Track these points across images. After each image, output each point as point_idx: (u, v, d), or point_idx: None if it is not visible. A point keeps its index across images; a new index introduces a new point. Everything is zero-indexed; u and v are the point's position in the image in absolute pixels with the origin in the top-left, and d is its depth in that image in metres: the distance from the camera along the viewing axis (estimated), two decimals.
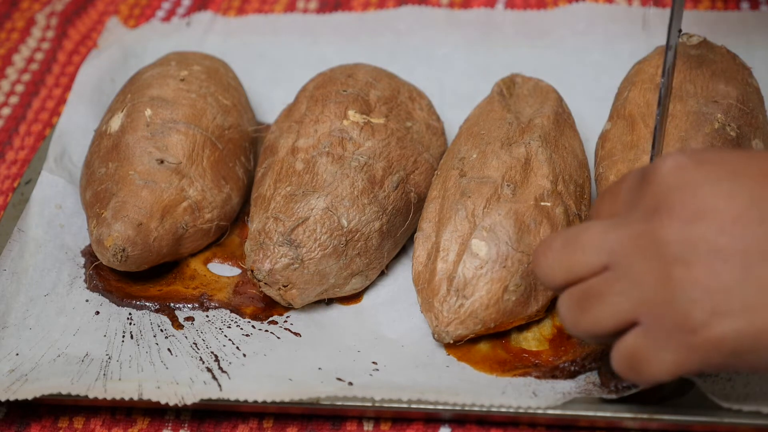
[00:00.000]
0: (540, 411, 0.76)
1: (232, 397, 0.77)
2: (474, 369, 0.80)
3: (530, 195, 0.82)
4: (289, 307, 0.86)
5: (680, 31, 0.79)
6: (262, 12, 1.15)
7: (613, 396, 0.76)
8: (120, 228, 0.85)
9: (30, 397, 0.78)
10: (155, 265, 0.88)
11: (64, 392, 0.78)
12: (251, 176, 0.93)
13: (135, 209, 0.86)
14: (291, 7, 1.16)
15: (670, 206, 0.65)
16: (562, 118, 0.89)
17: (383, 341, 0.84)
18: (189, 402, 0.77)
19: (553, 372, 0.79)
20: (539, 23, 1.07)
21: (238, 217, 0.93)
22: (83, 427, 0.80)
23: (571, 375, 0.79)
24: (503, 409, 0.76)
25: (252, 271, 0.83)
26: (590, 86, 1.02)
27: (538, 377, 0.79)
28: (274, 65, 1.07)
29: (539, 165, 0.84)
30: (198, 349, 0.82)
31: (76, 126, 0.98)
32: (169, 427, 0.80)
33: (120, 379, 0.79)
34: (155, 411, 0.81)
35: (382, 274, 0.88)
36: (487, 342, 0.82)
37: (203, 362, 0.81)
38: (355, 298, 0.87)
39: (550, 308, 0.84)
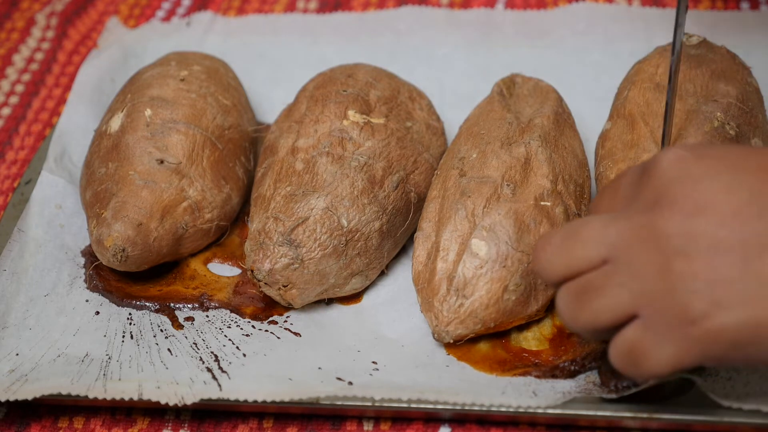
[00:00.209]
0: (540, 410, 0.76)
1: (232, 397, 0.77)
2: (474, 368, 0.80)
3: (530, 195, 0.82)
4: (289, 307, 0.86)
5: (681, 35, 0.80)
6: (262, 12, 1.15)
7: (613, 395, 0.76)
8: (120, 228, 0.85)
9: (30, 397, 0.78)
10: (155, 265, 0.88)
11: (64, 392, 0.78)
12: (251, 176, 0.93)
13: (135, 209, 0.86)
14: (291, 7, 1.16)
15: (670, 199, 0.66)
16: (562, 118, 0.89)
17: (383, 341, 0.84)
18: (189, 402, 0.77)
19: (553, 371, 0.79)
20: (539, 23, 1.07)
21: (238, 217, 0.93)
22: (83, 427, 0.80)
23: (571, 374, 0.79)
24: (503, 409, 0.76)
25: (252, 271, 0.83)
26: (590, 86, 1.02)
27: (538, 377, 0.79)
28: (274, 65, 1.07)
29: (539, 165, 0.84)
30: (198, 349, 0.82)
31: (76, 126, 0.98)
32: (169, 427, 0.80)
33: (120, 379, 0.79)
34: (155, 411, 0.81)
35: (382, 274, 0.88)
36: (487, 342, 0.82)
37: (203, 362, 0.81)
38: (355, 298, 0.87)
39: (550, 308, 0.84)
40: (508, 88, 0.93)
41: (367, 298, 0.87)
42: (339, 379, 0.79)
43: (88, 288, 0.88)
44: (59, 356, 0.82)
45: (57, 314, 0.86)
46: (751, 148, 0.69)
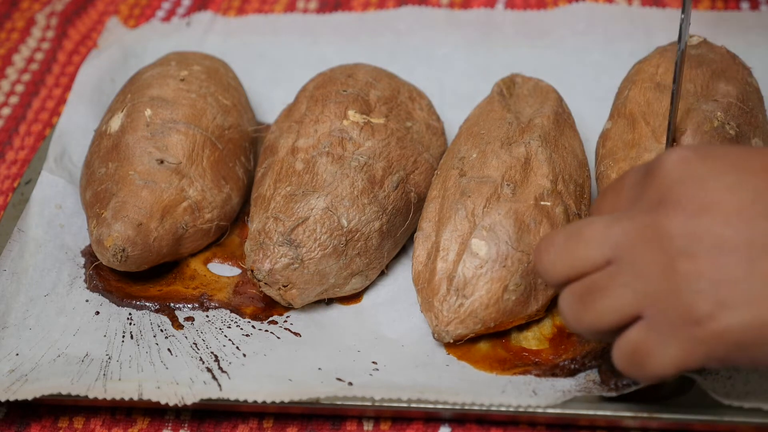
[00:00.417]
0: (540, 410, 0.76)
1: (232, 397, 0.77)
2: (474, 368, 0.80)
3: (530, 194, 0.82)
4: (289, 307, 0.86)
5: (686, 32, 0.80)
6: (262, 12, 1.15)
7: (614, 394, 0.76)
8: (120, 228, 0.85)
9: (30, 397, 0.78)
10: (155, 265, 0.88)
11: (64, 392, 0.78)
12: (251, 176, 0.93)
13: (135, 209, 0.86)
14: (291, 7, 1.16)
15: (674, 199, 0.65)
16: (562, 118, 0.89)
17: (383, 341, 0.84)
18: (189, 402, 0.77)
19: (553, 370, 0.79)
20: (539, 23, 1.07)
21: (238, 217, 0.93)
22: (83, 427, 0.80)
23: (571, 373, 0.79)
24: (503, 408, 0.76)
25: (252, 271, 0.83)
26: (590, 86, 1.02)
27: (538, 375, 0.79)
28: (274, 65, 1.07)
29: (539, 164, 0.84)
30: (198, 349, 0.82)
31: (76, 126, 0.98)
32: (169, 427, 0.80)
33: (120, 379, 0.79)
34: (155, 411, 0.81)
35: (382, 274, 0.88)
36: (487, 341, 0.82)
37: (203, 362, 0.81)
38: (355, 298, 0.87)
39: (550, 308, 0.84)
40: (508, 88, 0.93)
41: (367, 298, 0.87)
42: (339, 379, 0.79)
43: (88, 288, 0.88)
44: (59, 356, 0.82)
45: (57, 314, 0.86)
46: (754, 148, 0.69)
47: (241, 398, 0.77)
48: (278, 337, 0.84)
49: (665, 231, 0.65)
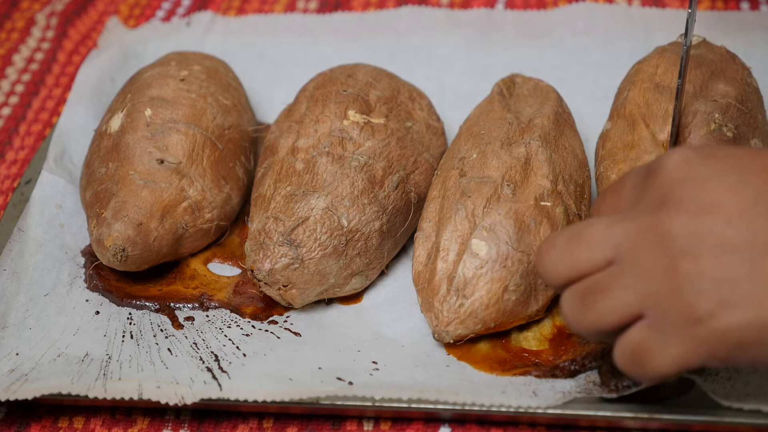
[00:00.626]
0: (540, 410, 0.76)
1: (232, 397, 0.77)
2: (474, 368, 0.80)
3: (530, 195, 0.82)
4: (289, 307, 0.86)
5: (692, 29, 0.80)
6: (262, 12, 1.15)
7: (614, 395, 0.76)
8: (120, 228, 0.85)
9: (30, 397, 0.78)
10: (155, 265, 0.88)
11: (64, 392, 0.78)
12: (251, 176, 0.93)
13: (135, 209, 0.86)
14: (291, 7, 1.16)
15: (676, 199, 0.66)
16: (562, 118, 0.89)
17: (383, 341, 0.84)
18: (189, 402, 0.77)
19: (553, 371, 0.79)
20: (539, 23, 1.07)
21: (238, 217, 0.93)
22: (83, 427, 0.80)
23: (572, 374, 0.79)
24: (503, 409, 0.76)
25: (252, 271, 0.83)
26: (590, 86, 1.02)
27: (538, 376, 0.79)
28: (274, 65, 1.07)
29: (539, 165, 0.84)
30: (198, 348, 0.82)
31: (76, 126, 0.98)
32: (169, 427, 0.80)
33: (120, 379, 0.79)
34: (155, 411, 0.81)
35: (382, 274, 0.88)
36: (487, 342, 0.82)
37: (203, 362, 0.81)
38: (355, 298, 0.87)
39: (551, 308, 0.84)
40: (508, 88, 0.93)
41: (367, 298, 0.87)
42: (339, 379, 0.79)
43: (88, 288, 0.88)
44: (59, 356, 0.82)
45: (57, 314, 0.86)
46: (756, 149, 0.69)
47: (241, 398, 0.77)
48: (278, 337, 0.84)
49: (667, 231, 0.65)
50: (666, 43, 0.94)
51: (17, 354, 0.82)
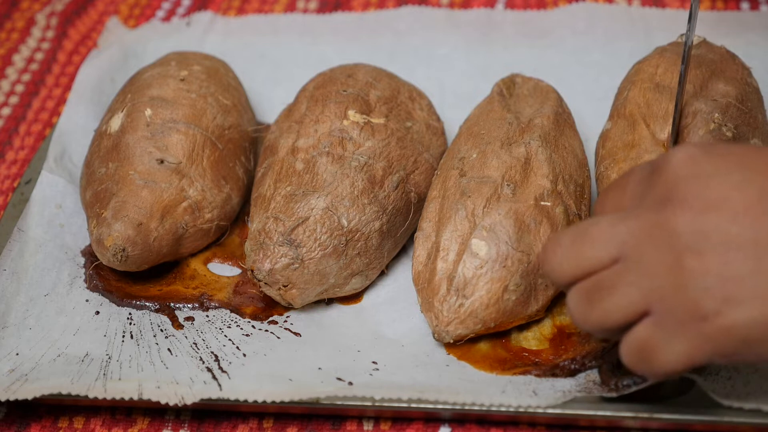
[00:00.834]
0: (540, 410, 0.76)
1: (232, 397, 0.77)
2: (474, 368, 0.80)
3: (530, 195, 0.82)
4: (289, 307, 0.86)
5: (692, 30, 0.80)
6: (262, 12, 1.15)
7: (614, 394, 0.76)
8: (120, 228, 0.85)
9: (30, 397, 0.78)
10: (155, 265, 0.88)
11: (64, 392, 0.78)
12: (251, 176, 0.93)
13: (135, 209, 0.86)
14: (291, 7, 1.16)
15: (681, 197, 0.66)
16: (562, 118, 0.89)
17: (383, 341, 0.84)
18: (189, 402, 0.77)
19: (553, 370, 0.79)
20: (539, 23, 1.07)
21: (238, 217, 0.93)
22: (83, 427, 0.80)
23: (572, 373, 0.79)
24: (503, 408, 0.76)
25: (252, 271, 0.83)
26: (590, 86, 1.02)
27: (538, 375, 0.79)
28: (274, 65, 1.07)
29: (539, 165, 0.84)
30: (198, 349, 0.82)
31: (76, 126, 0.98)
32: (169, 427, 0.80)
33: (120, 379, 0.79)
34: (155, 411, 0.81)
35: (382, 274, 0.88)
36: (488, 341, 0.82)
37: (203, 362, 0.81)
38: (355, 298, 0.87)
39: (551, 308, 0.84)
40: (508, 88, 0.93)
41: (367, 298, 0.87)
42: (339, 379, 0.79)
43: (88, 288, 0.88)
44: (59, 356, 0.82)
45: (57, 314, 0.86)
46: (760, 147, 0.70)
47: (241, 398, 0.77)
48: (278, 337, 0.84)
49: (672, 228, 0.65)
50: (666, 43, 0.94)
51: (17, 354, 0.82)
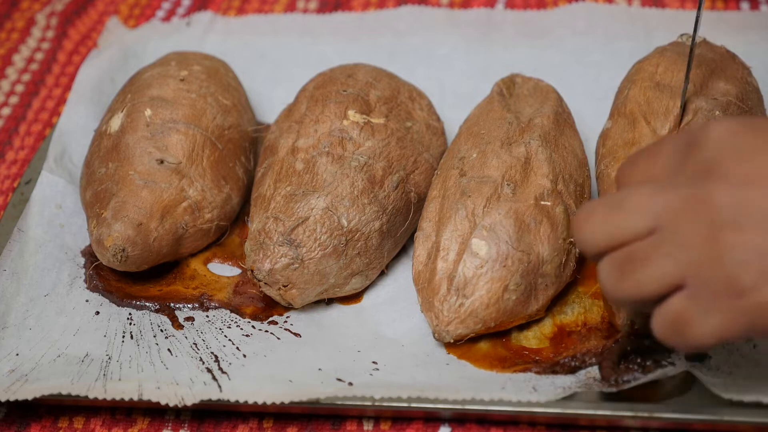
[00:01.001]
0: (540, 409, 0.76)
1: (232, 398, 0.77)
2: (474, 366, 0.80)
3: (530, 194, 0.82)
4: (289, 307, 0.86)
5: (697, 31, 0.80)
6: (262, 12, 1.15)
7: (614, 389, 0.76)
8: (120, 228, 0.85)
9: (30, 397, 0.78)
10: (155, 265, 0.88)
11: (64, 392, 0.78)
12: (251, 176, 0.93)
13: (135, 209, 0.86)
14: (291, 7, 1.16)
15: (722, 171, 0.65)
16: (562, 118, 0.90)
17: (383, 341, 0.84)
18: (189, 403, 0.77)
19: (553, 367, 0.79)
20: (539, 23, 1.07)
21: (238, 217, 0.93)
22: (83, 427, 0.80)
23: (572, 370, 0.79)
24: (503, 405, 0.76)
25: (252, 271, 0.83)
26: (590, 86, 1.02)
27: (538, 373, 0.79)
28: (274, 65, 1.07)
29: (539, 164, 0.84)
30: (198, 349, 0.82)
31: (76, 126, 0.98)
32: (169, 428, 0.80)
33: (120, 380, 0.79)
34: (155, 411, 0.81)
35: (382, 273, 0.88)
36: (488, 341, 0.82)
37: (203, 363, 0.81)
38: (355, 298, 0.87)
39: (551, 307, 0.84)
40: (508, 88, 0.93)
41: (367, 298, 0.87)
42: (339, 379, 0.79)
43: (88, 288, 0.88)
44: (59, 356, 0.82)
45: (57, 314, 0.86)
46: None
47: (241, 399, 0.77)
48: (278, 338, 0.84)
49: (711, 201, 0.65)
50: (666, 43, 0.94)
51: (17, 354, 0.82)
